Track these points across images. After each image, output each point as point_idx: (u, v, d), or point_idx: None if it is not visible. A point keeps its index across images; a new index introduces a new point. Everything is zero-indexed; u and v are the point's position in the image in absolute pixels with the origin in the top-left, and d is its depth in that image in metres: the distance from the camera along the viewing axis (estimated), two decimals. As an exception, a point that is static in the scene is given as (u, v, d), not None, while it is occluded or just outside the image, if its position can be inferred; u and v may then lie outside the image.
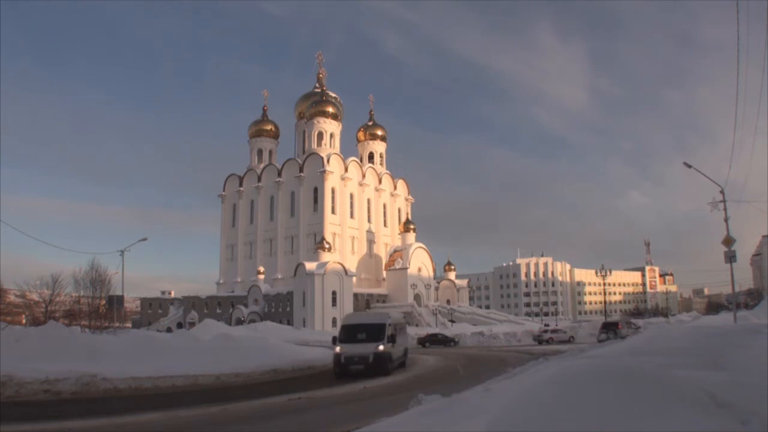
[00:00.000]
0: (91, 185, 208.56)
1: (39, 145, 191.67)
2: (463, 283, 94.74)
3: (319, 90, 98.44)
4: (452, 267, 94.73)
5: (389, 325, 21.41)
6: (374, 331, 20.83)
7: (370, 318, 25.15)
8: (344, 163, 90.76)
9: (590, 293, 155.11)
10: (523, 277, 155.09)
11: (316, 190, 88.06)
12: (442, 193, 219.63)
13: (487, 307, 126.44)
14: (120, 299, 43.21)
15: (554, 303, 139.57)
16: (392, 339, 21.04)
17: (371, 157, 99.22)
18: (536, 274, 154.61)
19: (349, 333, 21.48)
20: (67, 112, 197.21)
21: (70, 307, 51.14)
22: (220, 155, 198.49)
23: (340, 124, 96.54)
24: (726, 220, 26.96)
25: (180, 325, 79.56)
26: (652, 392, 4.78)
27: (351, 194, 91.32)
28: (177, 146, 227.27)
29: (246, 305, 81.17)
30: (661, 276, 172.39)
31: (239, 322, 71.91)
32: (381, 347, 20.17)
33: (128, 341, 22.26)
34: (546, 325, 63.16)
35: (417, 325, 71.92)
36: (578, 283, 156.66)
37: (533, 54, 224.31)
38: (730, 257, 26.46)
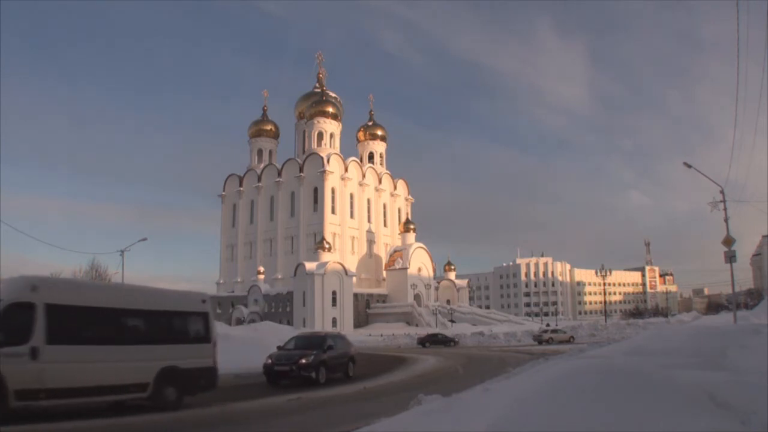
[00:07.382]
0: (91, 185, 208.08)
1: (39, 144, 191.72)
2: (463, 283, 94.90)
3: (319, 90, 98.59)
4: (452, 267, 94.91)
5: None
6: None
7: None
8: (344, 163, 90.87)
9: (590, 293, 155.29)
10: (523, 277, 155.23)
11: (316, 190, 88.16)
12: (442, 193, 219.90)
13: (487, 307, 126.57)
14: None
15: (554, 303, 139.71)
16: None
17: (371, 157, 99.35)
18: (536, 274, 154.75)
19: None
20: (68, 111, 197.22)
21: (70, 307, 51.08)
22: (220, 155, 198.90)
23: (340, 124, 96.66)
24: (726, 220, 26.99)
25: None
26: (652, 392, 4.79)
27: (351, 194, 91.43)
28: (177, 146, 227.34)
29: (246, 305, 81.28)
30: (661, 276, 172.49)
31: (239, 322, 71.98)
32: None
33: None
34: (546, 325, 63.23)
35: (417, 325, 72.18)
36: (578, 283, 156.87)
37: (533, 53, 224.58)
38: (730, 257, 26.48)
